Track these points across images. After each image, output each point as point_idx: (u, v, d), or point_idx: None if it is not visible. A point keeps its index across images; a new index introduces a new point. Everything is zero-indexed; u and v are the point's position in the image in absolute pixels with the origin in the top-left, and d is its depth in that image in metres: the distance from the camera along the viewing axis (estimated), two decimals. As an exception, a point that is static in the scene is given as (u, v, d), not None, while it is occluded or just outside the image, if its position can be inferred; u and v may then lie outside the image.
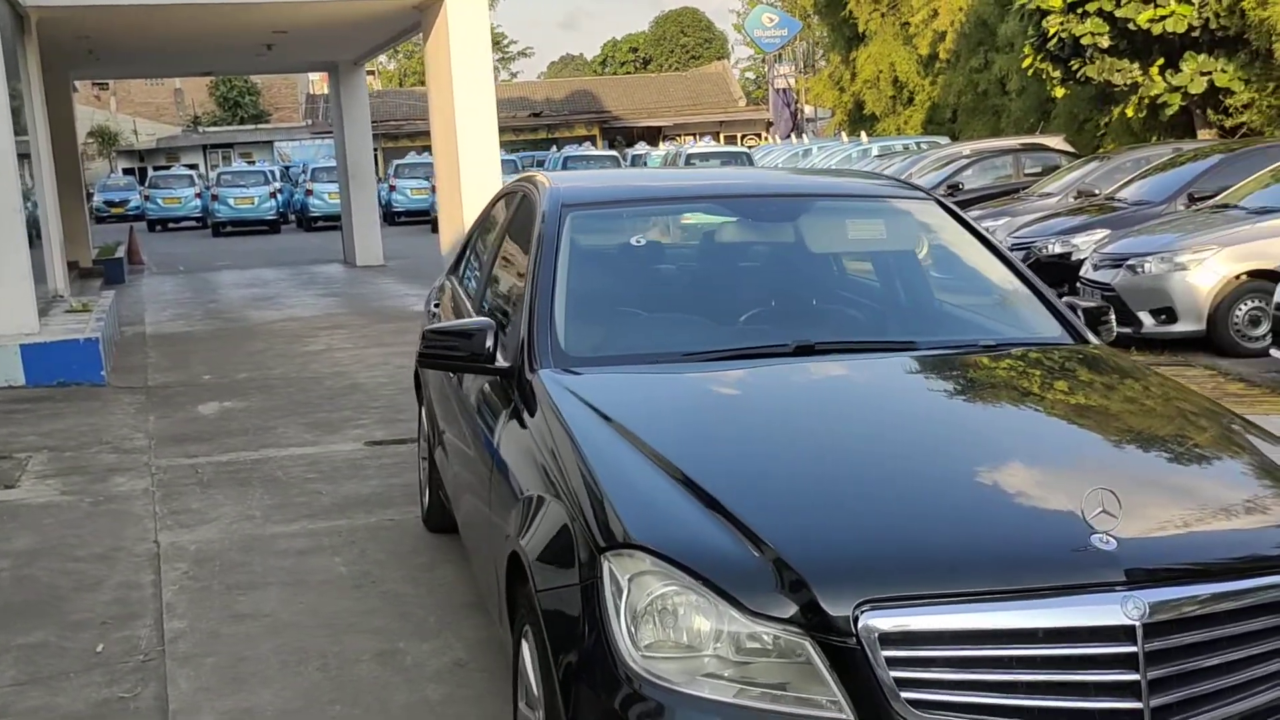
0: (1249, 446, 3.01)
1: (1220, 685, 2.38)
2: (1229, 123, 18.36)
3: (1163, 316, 9.89)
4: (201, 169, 45.11)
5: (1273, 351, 8.58)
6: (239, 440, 7.75)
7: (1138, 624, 2.34)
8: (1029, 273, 4.09)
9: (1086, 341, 3.80)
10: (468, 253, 5.56)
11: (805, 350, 3.56)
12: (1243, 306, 9.68)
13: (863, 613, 2.36)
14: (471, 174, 13.36)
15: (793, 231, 4.26)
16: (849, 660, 2.35)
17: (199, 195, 35.00)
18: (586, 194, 4.38)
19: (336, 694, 4.04)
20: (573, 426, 3.14)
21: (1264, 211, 10.04)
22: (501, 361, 3.71)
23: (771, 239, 4.30)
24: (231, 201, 31.24)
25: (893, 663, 2.34)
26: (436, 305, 5.58)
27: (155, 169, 43.53)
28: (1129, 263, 10.16)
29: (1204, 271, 9.73)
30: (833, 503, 2.71)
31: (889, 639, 2.35)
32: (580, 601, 2.63)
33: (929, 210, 4.34)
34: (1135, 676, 2.33)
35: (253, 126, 54.85)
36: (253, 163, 40.80)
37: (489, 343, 3.69)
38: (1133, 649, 2.34)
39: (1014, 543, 2.52)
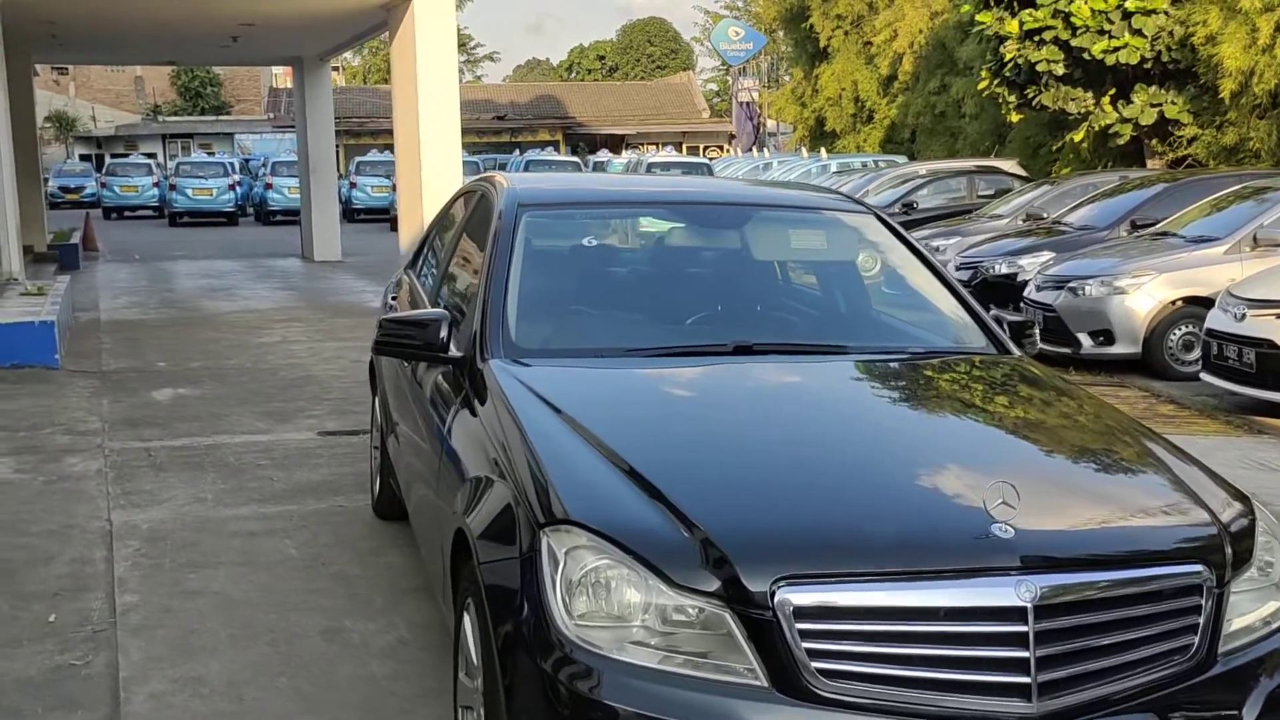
0: (1146, 453, 3.23)
1: (1101, 665, 2.59)
2: (1175, 154, 18.82)
3: (1101, 338, 10.20)
4: (160, 158, 44.79)
5: (1203, 375, 8.89)
6: (193, 426, 7.85)
7: (1029, 605, 2.55)
8: (959, 286, 4.32)
9: (1009, 353, 4.03)
10: (425, 248, 5.73)
11: (743, 350, 3.77)
12: (1177, 331, 10.01)
13: (779, 588, 2.56)
14: (433, 173, 13.51)
15: (738, 238, 4.47)
16: (765, 631, 2.55)
17: (157, 184, 34.81)
18: (542, 195, 4.57)
19: (284, 666, 4.19)
20: (519, 412, 3.32)
21: (1201, 240, 10.39)
22: (454, 351, 3.88)
23: (717, 245, 4.50)
24: (190, 192, 31.13)
25: (805, 635, 2.54)
26: (394, 298, 5.74)
27: (113, 156, 43.21)
28: (1070, 285, 10.47)
29: (1141, 296, 10.05)
30: (756, 489, 2.92)
31: (802, 612, 2.55)
32: (519, 574, 2.81)
33: (868, 224, 4.56)
34: (1025, 654, 2.54)
35: (214, 118, 54.51)
36: (212, 154, 40.63)
37: (443, 332, 3.86)
38: (1024, 628, 2.55)
39: (921, 528, 2.73)
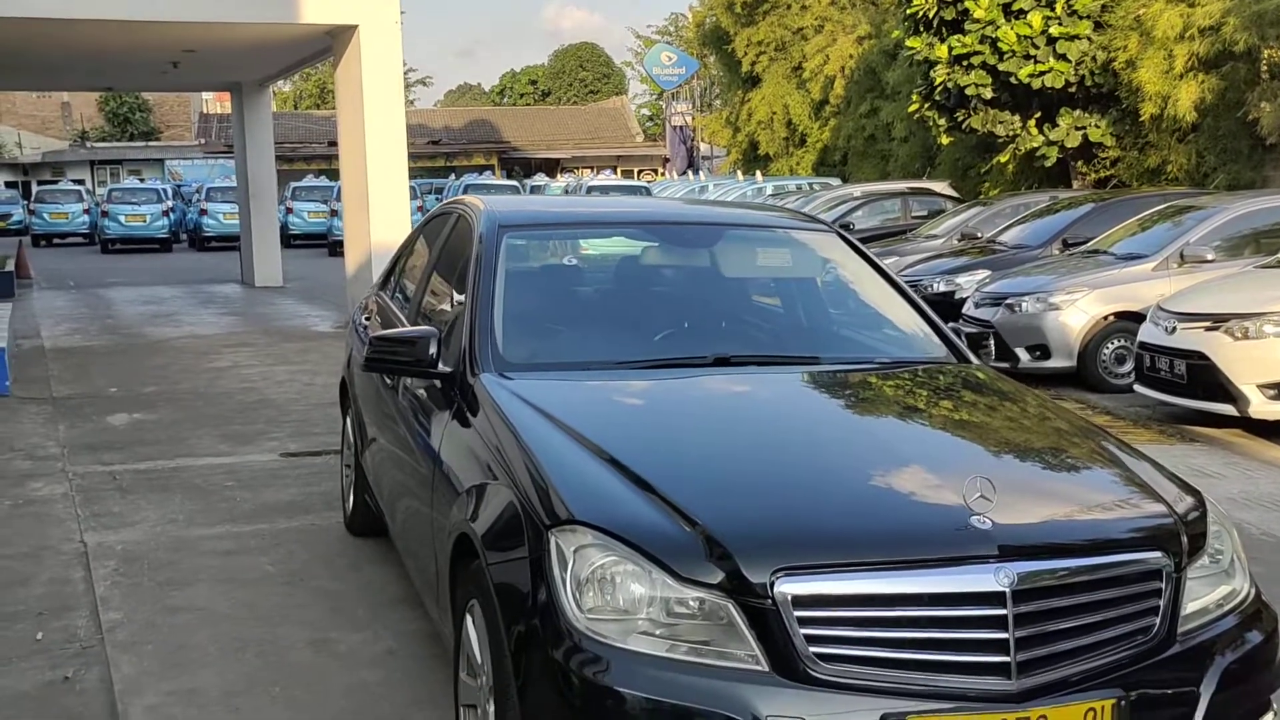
0: (1105, 452, 3.48)
1: (1073, 645, 2.81)
2: (1099, 175, 19.42)
3: (1037, 353, 10.55)
4: (89, 185, 44.19)
5: (1137, 387, 9.26)
6: (153, 449, 7.88)
7: (1007, 590, 2.77)
8: (919, 299, 4.56)
9: (969, 362, 4.27)
10: (397, 270, 5.87)
11: (722, 361, 3.98)
12: (1110, 345, 10.38)
13: (778, 578, 2.75)
14: (380, 197, 13.59)
15: (709, 256, 4.68)
16: (765, 619, 2.74)
17: (87, 211, 34.36)
18: (521, 217, 4.75)
19: (276, 676, 4.30)
20: (515, 421, 3.49)
21: (1131, 257, 10.80)
22: (444, 367, 4.03)
23: (691, 262, 4.71)
24: (123, 218, 30.79)
25: (803, 621, 2.73)
26: (367, 319, 5.86)
27: (40, 183, 42.58)
28: (1007, 302, 10.83)
29: (1075, 312, 10.42)
30: (750, 487, 3.12)
31: (800, 601, 2.74)
32: (529, 573, 2.98)
33: (831, 241, 4.79)
34: (1005, 635, 2.75)
35: (143, 143, 53.81)
36: (143, 180, 40.17)
37: (433, 349, 4.02)
38: (1003, 611, 2.77)
39: (906, 521, 2.94)
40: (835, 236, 4.83)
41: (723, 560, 2.78)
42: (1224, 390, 8.33)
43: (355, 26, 13.42)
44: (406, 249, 5.88)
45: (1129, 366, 10.13)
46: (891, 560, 2.80)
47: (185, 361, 11.84)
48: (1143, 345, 9.09)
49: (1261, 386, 8.18)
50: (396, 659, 4.45)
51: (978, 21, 18.66)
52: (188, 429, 8.52)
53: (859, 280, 4.65)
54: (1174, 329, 8.73)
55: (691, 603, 2.80)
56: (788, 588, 2.74)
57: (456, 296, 4.44)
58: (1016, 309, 10.70)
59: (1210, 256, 10.25)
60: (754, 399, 3.80)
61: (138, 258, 28.86)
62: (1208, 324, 8.50)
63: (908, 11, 20.18)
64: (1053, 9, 18.25)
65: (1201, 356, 8.42)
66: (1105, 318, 10.39)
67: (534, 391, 3.69)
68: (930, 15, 19.45)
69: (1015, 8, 18.47)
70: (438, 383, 4.12)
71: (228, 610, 4.96)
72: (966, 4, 18.76)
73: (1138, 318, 9.96)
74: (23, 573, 5.43)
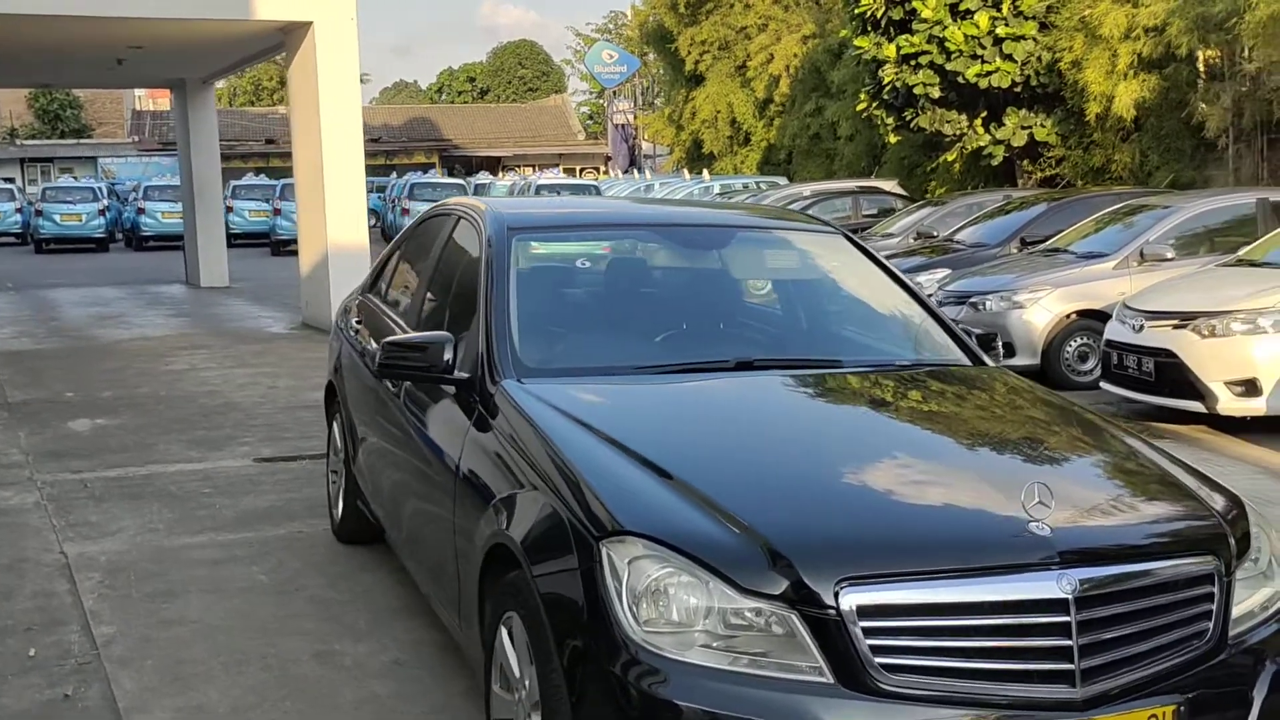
0: (1144, 455, 3.49)
1: (1133, 651, 2.81)
2: (1044, 174, 19.67)
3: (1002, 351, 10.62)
4: (19, 183, 43.14)
5: (1103, 384, 9.36)
6: (121, 456, 7.69)
7: (1070, 597, 2.76)
8: (929, 300, 4.55)
9: (983, 363, 4.27)
10: (386, 273, 5.76)
11: (744, 366, 3.94)
12: (1073, 343, 10.49)
13: (842, 589, 2.71)
14: (337, 197, 13.40)
15: (720, 258, 4.64)
16: (828, 630, 2.70)
17: (19, 210, 33.57)
18: (529, 220, 4.67)
19: (284, 691, 4.18)
20: (546, 428, 3.42)
21: (1091, 256, 10.93)
22: (460, 373, 3.94)
23: (702, 265, 4.67)
24: (57, 218, 30.12)
25: (868, 632, 2.70)
26: (359, 322, 5.73)
27: (-32, 181, 41.48)
28: (971, 300, 10.91)
29: (1038, 310, 10.52)
30: (801, 494, 3.08)
31: (865, 611, 2.71)
32: (580, 585, 2.91)
33: (838, 243, 4.78)
34: (1069, 642, 2.74)
35: (74, 141, 52.61)
36: (78, 178, 39.31)
37: (448, 355, 3.93)
38: (1066, 618, 2.75)
39: (965, 529, 2.92)
40: (841, 238, 4.81)
41: (785, 570, 2.74)
42: (1192, 387, 8.44)
43: (310, 23, 13.23)
44: (396, 251, 5.77)
45: (1091, 364, 10.25)
46: (954, 568, 2.78)
47: (140, 365, 11.58)
48: (1110, 343, 9.19)
49: (1229, 383, 8.30)
50: (405, 670, 4.36)
51: (925, 21, 18.80)
52: (154, 434, 8.32)
53: (869, 282, 4.64)
54: (1141, 327, 8.83)
55: (749, 614, 2.76)
56: (852, 597, 2.70)
57: (464, 301, 4.35)
58: (980, 308, 10.78)
59: (1170, 255, 10.39)
60: (784, 403, 3.77)
61: (74, 258, 28.24)
62: (1176, 322, 8.61)
63: (855, 11, 20.28)
64: (999, 10, 18.44)
65: (1170, 354, 8.53)
66: (1068, 316, 10.49)
67: (559, 397, 3.63)
68: (878, 15, 19.57)
69: (962, 8, 18.65)
70: (450, 388, 4.04)
71: (223, 622, 4.83)
72: (914, 4, 18.90)
73: (1100, 316, 10.08)
74: (4, 586, 5.25)
